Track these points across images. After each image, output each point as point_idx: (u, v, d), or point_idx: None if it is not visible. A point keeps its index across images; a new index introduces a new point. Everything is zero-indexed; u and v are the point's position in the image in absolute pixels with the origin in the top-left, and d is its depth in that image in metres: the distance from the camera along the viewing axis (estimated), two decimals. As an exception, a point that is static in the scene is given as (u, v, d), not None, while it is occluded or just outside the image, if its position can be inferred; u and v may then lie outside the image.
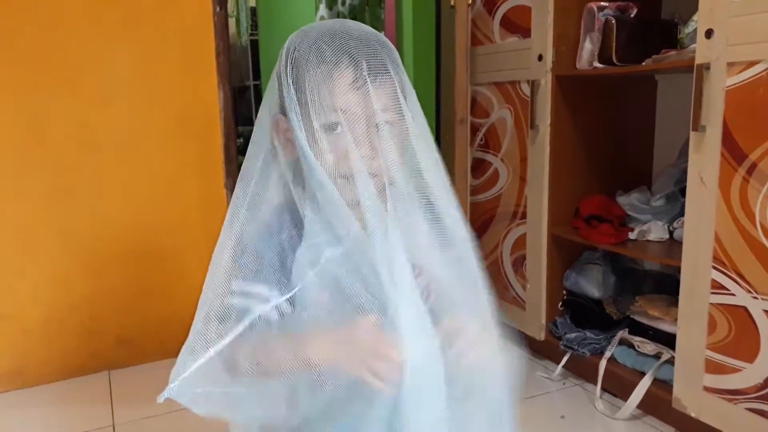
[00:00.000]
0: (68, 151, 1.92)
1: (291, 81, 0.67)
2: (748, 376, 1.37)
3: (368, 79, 0.66)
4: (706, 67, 1.36)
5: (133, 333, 2.05)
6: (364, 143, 0.68)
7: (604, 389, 1.77)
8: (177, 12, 2.00)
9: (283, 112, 0.69)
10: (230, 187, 2.12)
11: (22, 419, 1.78)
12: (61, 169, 1.92)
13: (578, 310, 1.93)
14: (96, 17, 1.90)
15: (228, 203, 2.33)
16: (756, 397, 1.36)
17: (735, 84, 1.32)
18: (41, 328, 1.95)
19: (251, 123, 4.80)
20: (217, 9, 2.04)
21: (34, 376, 1.95)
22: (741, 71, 1.31)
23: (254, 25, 4.66)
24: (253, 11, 4.67)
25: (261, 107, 0.74)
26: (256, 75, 4.70)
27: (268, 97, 0.73)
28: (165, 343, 2.05)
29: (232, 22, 4.68)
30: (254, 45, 4.67)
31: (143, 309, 2.05)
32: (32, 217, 1.90)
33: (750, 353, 1.36)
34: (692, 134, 1.41)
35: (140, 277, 2.04)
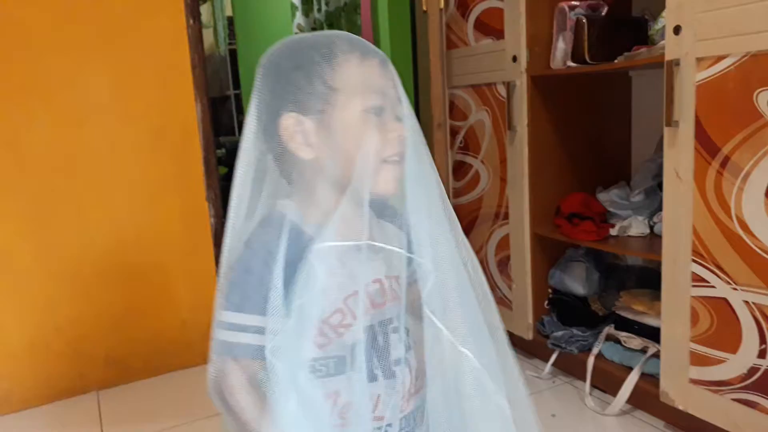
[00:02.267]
0: (46, 172, 1.91)
1: (313, 76, 0.69)
2: (731, 366, 1.38)
3: (391, 68, 0.72)
4: (676, 63, 1.37)
5: (121, 352, 2.03)
6: (400, 126, 0.70)
7: (593, 386, 1.78)
8: (150, 27, 1.99)
9: (300, 110, 0.69)
10: (212, 200, 2.11)
11: (11, 445, 1.77)
12: (40, 190, 1.91)
13: (564, 308, 1.94)
14: (67, 38, 1.89)
15: (210, 216, 2.30)
16: (741, 388, 1.37)
17: (705, 79, 1.34)
18: (27, 352, 1.93)
19: (233, 133, 4.80)
20: (191, 21, 2.03)
21: (22, 401, 1.93)
22: (710, 66, 1.32)
23: (232, 35, 4.65)
24: (230, 21, 4.66)
25: (249, 116, 0.72)
26: (236, 84, 4.69)
27: (263, 104, 0.71)
28: (153, 361, 2.04)
29: (209, 32, 4.67)
30: (233, 54, 4.66)
31: (130, 328, 2.03)
32: (13, 240, 1.88)
33: (732, 344, 1.37)
34: (666, 129, 1.42)
35: (125, 295, 2.02)
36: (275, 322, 0.64)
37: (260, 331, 0.66)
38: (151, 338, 2.03)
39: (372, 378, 0.71)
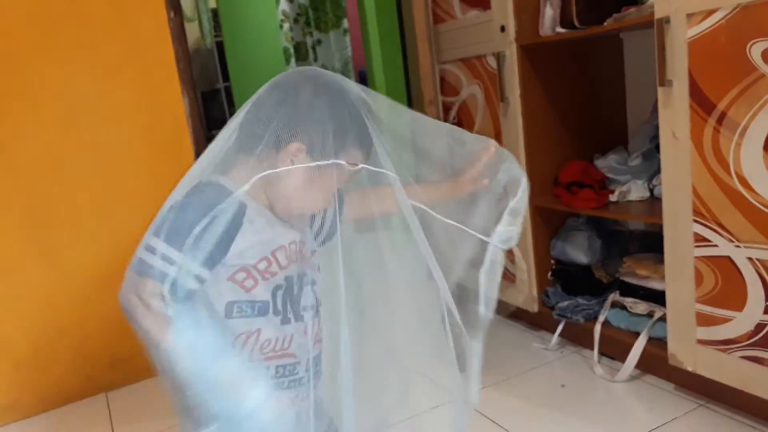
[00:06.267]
0: (39, 177, 1.89)
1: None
2: (738, 324, 1.37)
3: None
4: (666, 20, 1.34)
5: (126, 353, 2.03)
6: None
7: (601, 353, 1.78)
8: (131, 25, 1.95)
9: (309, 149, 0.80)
10: (207, 194, 2.10)
11: (24, 451, 1.77)
12: (35, 196, 1.89)
13: (568, 278, 1.93)
14: (50, 42, 1.86)
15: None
16: (748, 345, 1.36)
17: (696, 35, 1.31)
18: (32, 358, 1.93)
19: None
20: (172, 15, 2.00)
21: (31, 407, 1.93)
22: (701, 21, 1.30)
23: (217, 27, 4.60)
24: (215, 13, 4.60)
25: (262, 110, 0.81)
26: (225, 77, 4.64)
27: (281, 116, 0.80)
28: (159, 358, 2.04)
29: (194, 26, 4.61)
30: (220, 46, 4.61)
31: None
32: (11, 248, 1.87)
33: (738, 302, 1.36)
34: (659, 89, 1.40)
35: (126, 295, 2.01)
36: (187, 259, 0.75)
37: (166, 258, 0.76)
38: (156, 336, 2.03)
39: (285, 321, 0.85)
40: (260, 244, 0.82)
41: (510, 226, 0.91)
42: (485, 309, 0.90)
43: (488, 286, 0.90)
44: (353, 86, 0.84)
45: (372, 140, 0.83)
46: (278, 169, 0.80)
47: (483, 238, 0.89)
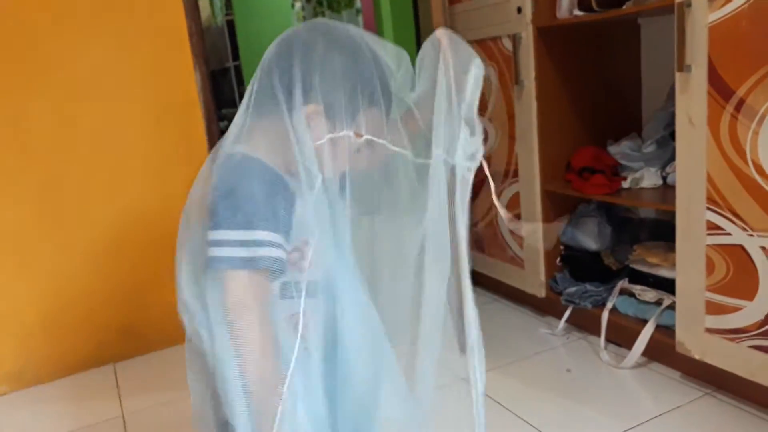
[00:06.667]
0: (49, 149, 1.90)
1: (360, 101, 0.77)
2: (748, 313, 1.36)
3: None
4: (687, 4, 1.32)
5: (135, 324, 2.05)
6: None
7: (608, 340, 1.77)
8: (143, -2, 1.94)
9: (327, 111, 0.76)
10: (217, 170, 2.10)
11: (32, 417, 1.79)
12: (44, 168, 1.90)
13: (577, 264, 1.93)
14: (62, 14, 1.86)
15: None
16: (758, 334, 1.36)
17: (717, 19, 1.29)
18: (41, 327, 1.94)
19: (234, 105, 4.74)
20: (185, -11, 1.98)
21: (40, 375, 1.96)
22: (723, 5, 1.28)
23: (228, 5, 4.57)
24: (227, -10, 4.58)
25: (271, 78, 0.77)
26: (235, 55, 4.62)
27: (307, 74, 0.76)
28: (167, 331, 2.05)
29: (206, 3, 4.59)
30: (230, 25, 4.59)
31: (142, 299, 2.04)
32: (21, 218, 1.88)
33: (749, 291, 1.35)
34: (677, 75, 1.38)
35: (135, 267, 2.02)
36: (282, 238, 0.74)
37: (273, 245, 0.73)
38: (163, 309, 2.03)
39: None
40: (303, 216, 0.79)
41: (470, 137, 0.79)
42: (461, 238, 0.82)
43: (460, 215, 0.83)
44: (366, 37, 0.79)
45: (391, 97, 0.79)
46: (321, 141, 0.76)
47: (446, 157, 0.80)
